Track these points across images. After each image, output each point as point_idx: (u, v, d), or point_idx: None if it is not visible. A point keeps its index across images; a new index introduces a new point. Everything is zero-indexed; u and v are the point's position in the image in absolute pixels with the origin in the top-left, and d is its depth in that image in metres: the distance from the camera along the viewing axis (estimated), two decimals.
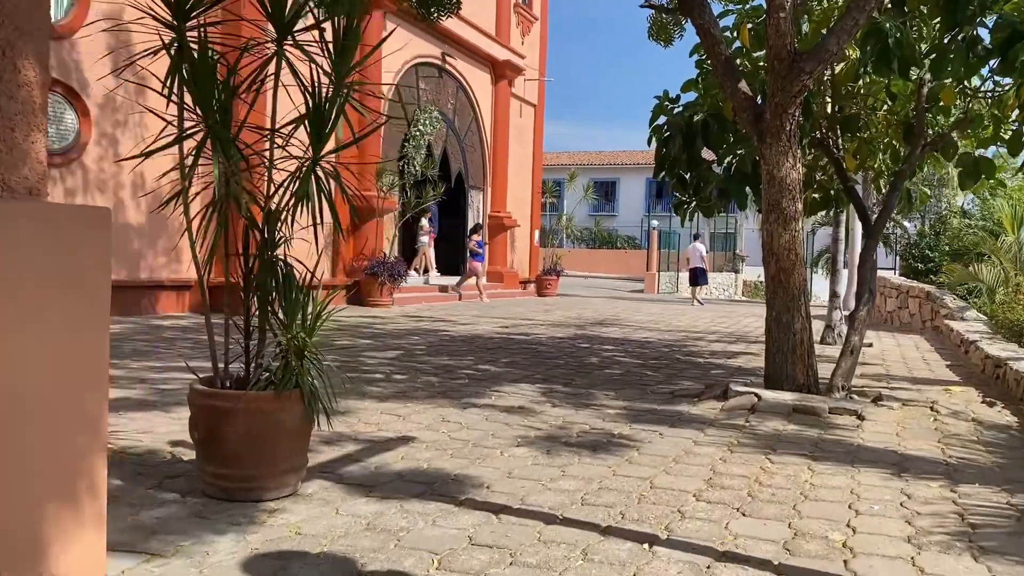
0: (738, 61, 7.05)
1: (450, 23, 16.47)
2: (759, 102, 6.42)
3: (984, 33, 5.91)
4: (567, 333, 11.73)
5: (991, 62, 6.03)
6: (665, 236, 31.72)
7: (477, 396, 6.13)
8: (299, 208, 3.51)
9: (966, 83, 6.60)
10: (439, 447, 4.52)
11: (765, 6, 6.27)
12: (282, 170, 3.68)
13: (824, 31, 6.49)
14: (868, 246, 6.86)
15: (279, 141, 3.60)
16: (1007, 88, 6.53)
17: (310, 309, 3.50)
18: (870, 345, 10.28)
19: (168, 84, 3.45)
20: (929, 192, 11.84)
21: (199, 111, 3.36)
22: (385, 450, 4.40)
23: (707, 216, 8.17)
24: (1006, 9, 5.93)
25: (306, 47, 3.59)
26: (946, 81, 6.44)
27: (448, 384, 6.64)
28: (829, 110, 7.40)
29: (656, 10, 7.27)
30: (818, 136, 7.31)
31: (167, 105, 3.54)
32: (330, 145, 3.59)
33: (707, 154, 7.67)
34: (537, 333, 11.52)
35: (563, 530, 3.23)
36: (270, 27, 3.58)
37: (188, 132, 3.49)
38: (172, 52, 3.39)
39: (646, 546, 3.09)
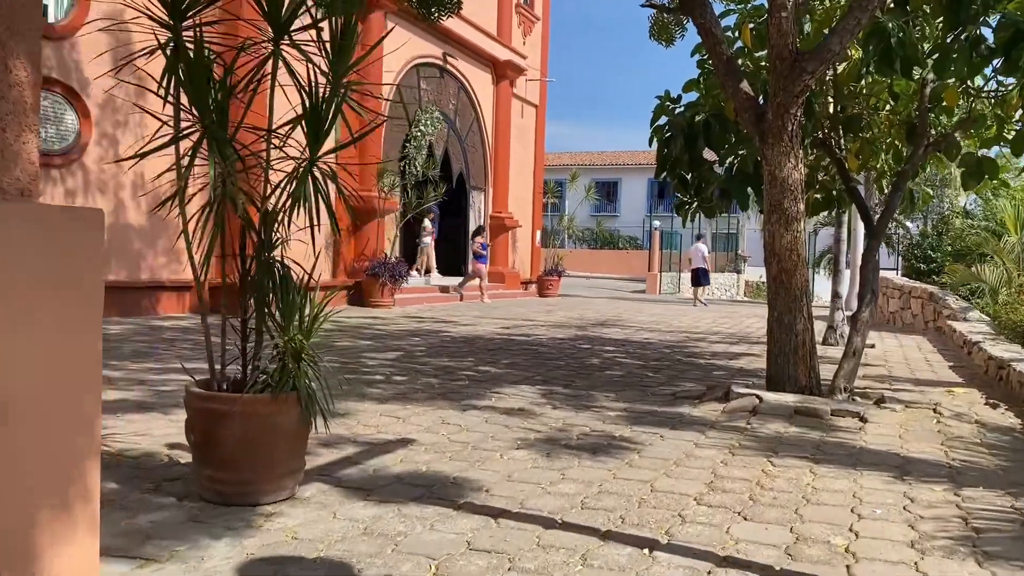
0: (740, 61, 7.01)
1: (451, 23, 16.45)
2: (761, 102, 6.38)
3: (987, 32, 5.88)
4: (568, 334, 11.70)
5: (994, 62, 5.98)
6: (667, 236, 31.69)
7: (477, 398, 6.09)
8: (296, 209, 3.48)
9: (969, 83, 6.56)
10: (438, 449, 4.49)
11: (767, 5, 6.24)
12: (279, 171, 3.65)
13: (826, 31, 6.45)
14: (871, 247, 6.82)
15: (276, 141, 3.57)
16: (1010, 88, 6.48)
17: (307, 311, 3.47)
18: (872, 346, 10.24)
19: (164, 84, 3.43)
20: (932, 192, 11.80)
21: (195, 111, 3.32)
22: (384, 453, 4.37)
23: (709, 217, 8.13)
24: (1010, 8, 5.89)
25: (303, 47, 3.56)
26: (949, 81, 6.40)
27: (448, 386, 6.61)
28: (831, 110, 7.37)
29: (657, 10, 7.23)
30: (820, 136, 7.27)
31: (163, 106, 3.51)
32: (328, 145, 3.56)
33: (709, 154, 7.64)
34: (538, 334, 11.49)
35: (562, 535, 3.20)
36: (267, 26, 3.55)
37: (184, 132, 3.46)
38: (168, 52, 3.35)
39: (646, 551, 3.06)
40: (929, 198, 10.24)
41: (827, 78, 7.10)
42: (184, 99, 3.44)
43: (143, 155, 3.25)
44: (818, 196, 8.47)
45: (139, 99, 8.54)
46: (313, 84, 3.46)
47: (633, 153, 45.80)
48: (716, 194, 7.75)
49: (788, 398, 5.91)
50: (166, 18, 3.38)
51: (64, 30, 10.25)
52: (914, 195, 8.74)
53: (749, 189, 7.41)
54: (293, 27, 3.55)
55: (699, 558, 3.01)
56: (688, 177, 7.74)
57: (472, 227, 20.05)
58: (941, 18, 6.12)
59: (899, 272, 23.42)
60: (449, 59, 18.06)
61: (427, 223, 18.56)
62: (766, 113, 6.13)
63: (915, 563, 3.05)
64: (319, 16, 3.63)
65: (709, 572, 2.89)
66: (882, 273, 14.58)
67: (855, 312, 6.76)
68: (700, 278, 22.36)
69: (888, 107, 7.44)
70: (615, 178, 46.21)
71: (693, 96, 7.70)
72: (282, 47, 3.52)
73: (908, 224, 25.35)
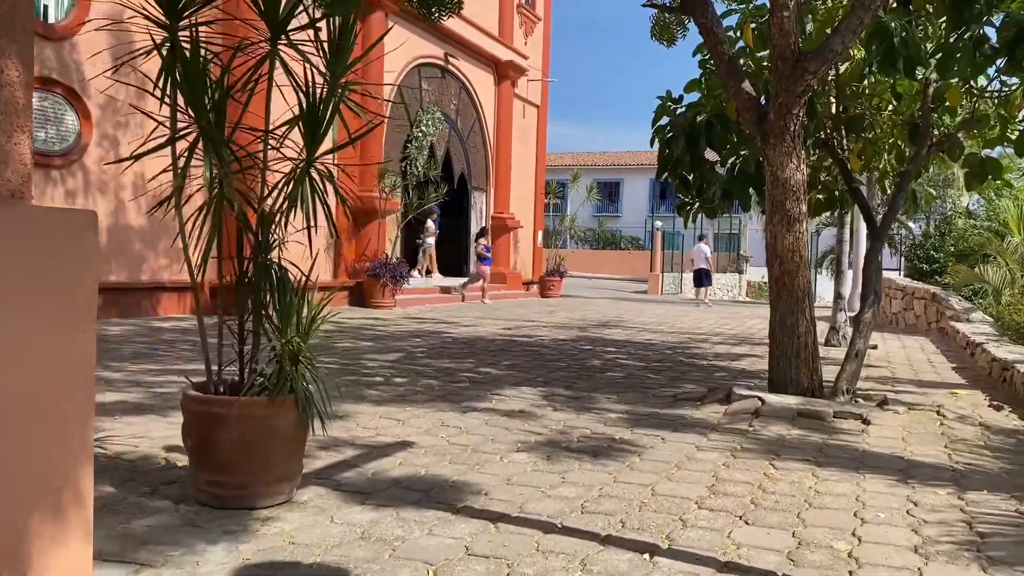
0: (741, 61, 6.97)
1: (452, 23, 16.42)
2: (763, 102, 6.34)
3: (991, 32, 5.84)
4: (570, 335, 11.67)
5: (998, 61, 5.94)
6: (669, 237, 31.65)
7: (477, 400, 6.06)
8: (293, 210, 3.45)
9: (972, 83, 6.51)
10: (438, 452, 4.46)
11: (768, 5, 6.20)
12: (277, 171, 3.62)
13: (828, 30, 6.41)
14: (873, 247, 6.78)
15: (273, 142, 3.54)
16: (1014, 88, 6.45)
17: (305, 312, 3.44)
18: (875, 347, 10.19)
19: (161, 84, 3.40)
20: (934, 193, 11.75)
21: (191, 112, 3.30)
22: (383, 455, 4.34)
23: (710, 217, 8.09)
24: (1013, 7, 5.85)
25: (301, 46, 3.53)
26: (952, 81, 6.36)
27: (448, 387, 6.57)
28: (834, 110, 7.32)
29: (659, 10, 7.19)
30: (822, 136, 7.23)
31: (160, 106, 3.48)
32: (326, 146, 3.53)
33: (710, 155, 7.60)
34: (539, 335, 11.45)
35: (562, 539, 3.17)
36: (265, 26, 3.52)
37: (181, 133, 3.43)
38: (164, 52, 3.33)
39: (646, 556, 3.02)
40: (932, 199, 10.20)
41: (829, 78, 7.06)
42: (181, 100, 3.41)
43: (138, 156, 3.22)
44: (820, 197, 8.43)
45: (139, 100, 8.52)
46: (311, 84, 3.42)
47: (635, 153, 45.74)
48: (718, 195, 7.70)
49: (790, 400, 5.87)
50: (162, 18, 3.35)
51: (64, 31, 10.23)
52: (917, 196, 8.68)
53: (751, 190, 7.37)
54: (291, 27, 3.52)
55: (700, 563, 2.98)
56: (690, 178, 7.71)
57: (474, 227, 20.03)
58: (944, 17, 6.09)
59: (901, 273, 23.37)
60: (450, 59, 18.04)
61: (430, 223, 18.54)
62: (768, 113, 6.09)
63: (919, 569, 3.01)
64: (317, 16, 3.61)
65: None
66: (884, 274, 14.53)
67: (858, 313, 6.72)
68: (702, 279, 22.33)
69: (891, 107, 7.39)
70: (617, 178, 46.15)
71: (695, 96, 7.66)
72: (279, 47, 3.49)
73: (911, 224, 25.28)
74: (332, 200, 3.62)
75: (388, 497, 3.61)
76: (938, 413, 6.00)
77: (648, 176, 40.57)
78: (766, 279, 6.78)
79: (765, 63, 6.98)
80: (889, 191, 8.49)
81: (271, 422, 3.35)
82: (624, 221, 44.66)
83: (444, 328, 11.86)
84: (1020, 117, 6.66)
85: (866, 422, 5.57)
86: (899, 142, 7.61)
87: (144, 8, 3.35)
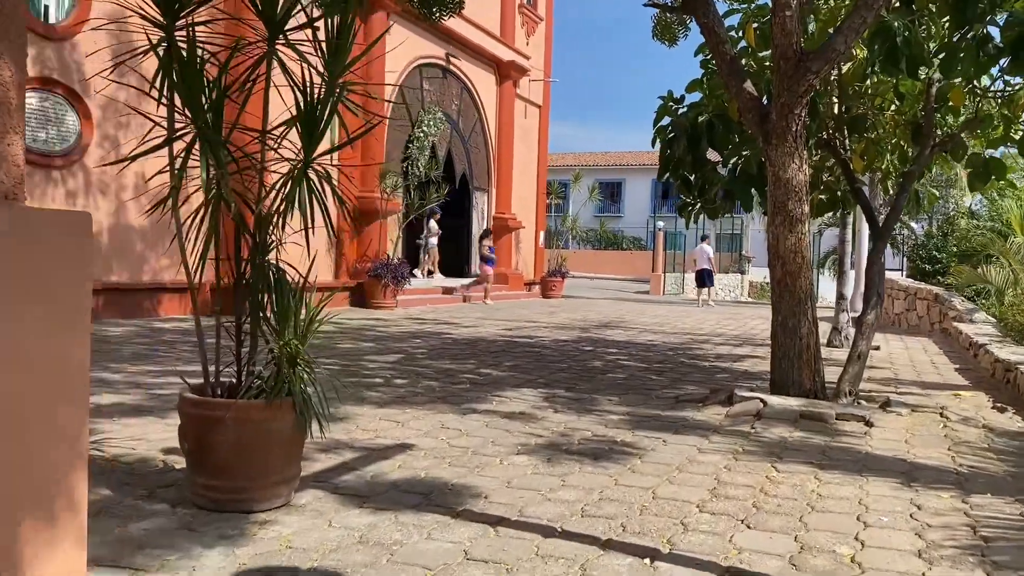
0: (743, 61, 6.94)
1: (454, 23, 16.41)
2: (765, 102, 6.31)
3: (994, 31, 5.81)
4: (571, 336, 11.64)
5: (1001, 61, 5.92)
6: (671, 237, 31.60)
7: (478, 401, 6.03)
8: (291, 211, 3.42)
9: (976, 83, 6.48)
10: (438, 455, 4.43)
11: (771, 5, 6.17)
12: (275, 172, 3.60)
13: (831, 30, 6.38)
14: (876, 248, 6.75)
15: (271, 143, 3.52)
16: (1018, 87, 6.42)
17: (303, 314, 3.41)
18: (877, 348, 10.15)
19: (158, 85, 3.38)
20: (937, 193, 11.71)
21: (188, 112, 3.27)
22: (382, 458, 4.31)
23: (712, 218, 8.05)
24: (1017, 7, 5.81)
25: (299, 46, 3.50)
26: (955, 81, 6.32)
27: (449, 389, 6.55)
28: (836, 110, 7.29)
29: (660, 9, 7.16)
30: (825, 137, 7.20)
31: (157, 107, 3.46)
32: (324, 147, 3.50)
33: (712, 155, 7.57)
34: (541, 336, 11.42)
35: (562, 544, 3.14)
36: (263, 26, 3.49)
37: (178, 134, 3.41)
38: (161, 52, 3.30)
39: (647, 561, 2.99)
40: (935, 199, 10.17)
41: (832, 78, 7.03)
42: (178, 100, 3.38)
43: (134, 158, 3.19)
44: (823, 197, 8.39)
45: (140, 100, 8.51)
46: (308, 84, 3.39)
47: (637, 154, 45.70)
48: (720, 195, 7.67)
49: (792, 402, 5.84)
50: (159, 18, 3.33)
51: (65, 31, 10.21)
52: (920, 196, 8.66)
53: (753, 190, 7.34)
54: (289, 26, 3.50)
55: (701, 568, 2.95)
56: (691, 178, 7.67)
57: (475, 228, 20.02)
58: (947, 17, 6.06)
59: (904, 273, 23.33)
60: (452, 59, 18.02)
61: (433, 224, 18.53)
62: (770, 113, 6.06)
63: (923, 574, 2.98)
64: (317, 15, 3.58)
65: None
66: (887, 274, 14.48)
67: (860, 315, 6.69)
68: (705, 279, 22.29)
69: (893, 107, 7.36)
70: (619, 179, 46.12)
71: (696, 96, 7.63)
72: (277, 47, 3.47)
73: (913, 224, 25.25)
74: (331, 201, 3.59)
75: (387, 500, 3.59)
76: (941, 415, 5.97)
77: (650, 176, 40.54)
78: (768, 279, 6.74)
79: (767, 63, 6.94)
80: (892, 191, 8.45)
81: (268, 425, 3.32)
82: (626, 221, 44.62)
83: (445, 329, 11.84)
84: None
85: (869, 424, 5.54)
86: (902, 142, 7.58)
87: (141, 8, 3.33)
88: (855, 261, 13.60)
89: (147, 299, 11.38)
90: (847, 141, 7.35)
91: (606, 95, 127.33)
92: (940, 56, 6.02)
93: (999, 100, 6.67)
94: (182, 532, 3.10)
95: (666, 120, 7.52)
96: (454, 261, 20.14)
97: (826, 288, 23.81)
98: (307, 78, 3.42)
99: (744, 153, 7.35)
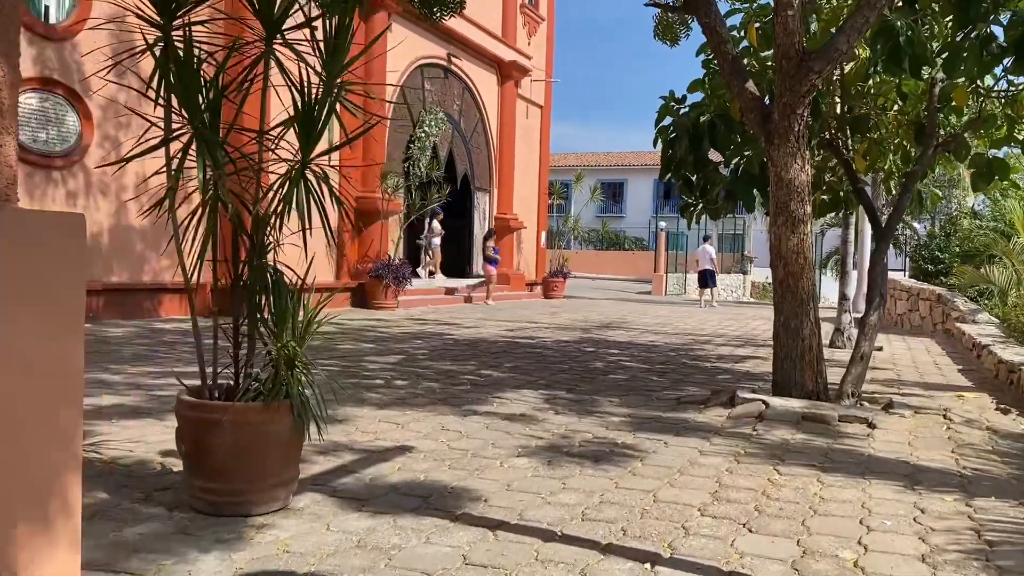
0: (745, 61, 6.91)
1: (455, 23, 16.39)
2: (767, 102, 6.28)
3: (998, 31, 5.77)
4: (572, 337, 11.61)
5: (1005, 60, 5.88)
6: (673, 237, 31.55)
7: (478, 403, 6.00)
8: (289, 212, 3.39)
9: (979, 82, 6.44)
10: (437, 457, 4.40)
11: (773, 4, 6.13)
12: (273, 173, 3.57)
13: (833, 29, 6.34)
14: (879, 249, 6.71)
15: (268, 143, 3.49)
16: (1021, 87, 6.37)
17: (301, 316, 3.39)
18: (880, 349, 10.11)
19: (156, 85, 3.35)
20: (940, 194, 11.64)
21: (184, 112, 3.24)
22: (381, 461, 4.28)
23: (714, 219, 8.02)
24: (1020, 6, 5.77)
25: (297, 46, 3.47)
26: (959, 80, 6.28)
27: (449, 390, 6.52)
28: (838, 110, 7.25)
29: (662, 9, 7.13)
30: (827, 137, 7.16)
31: (154, 107, 3.43)
32: (322, 147, 3.47)
33: (714, 155, 7.54)
34: (542, 337, 11.40)
35: (562, 548, 3.11)
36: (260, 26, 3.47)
37: (175, 134, 3.38)
38: (157, 52, 3.27)
39: (648, 566, 2.96)
40: (938, 199, 10.11)
41: (834, 78, 6.99)
42: (175, 100, 3.36)
43: (129, 159, 3.17)
44: (825, 197, 8.36)
45: (140, 100, 8.50)
46: (304, 84, 3.37)
47: (639, 154, 45.66)
48: (721, 195, 7.64)
49: (795, 404, 5.80)
50: (156, 17, 3.30)
51: (65, 31, 10.20)
52: (923, 196, 8.61)
53: (755, 191, 7.31)
54: (286, 26, 3.47)
55: (703, 573, 2.92)
56: (693, 178, 7.64)
57: (477, 228, 20.00)
58: (950, 16, 6.02)
59: (906, 273, 23.29)
60: (453, 60, 17.99)
61: (436, 224, 18.52)
62: (772, 113, 6.03)
63: None
64: (316, 14, 3.55)
65: None
66: (889, 275, 14.44)
67: (863, 316, 6.65)
68: (707, 280, 22.25)
69: (896, 107, 7.32)
70: (621, 179, 46.08)
71: (698, 96, 7.60)
72: (275, 46, 3.44)
73: (915, 225, 25.20)
74: (329, 202, 3.56)
75: (386, 504, 3.56)
76: (944, 417, 5.93)
77: (652, 176, 40.51)
78: (770, 280, 6.71)
79: (769, 63, 6.91)
80: (894, 192, 8.42)
81: (266, 428, 3.30)
82: (628, 222, 44.57)
83: (446, 330, 11.81)
84: None
85: (871, 426, 5.50)
86: (904, 142, 7.54)
87: (138, 7, 3.30)
88: (857, 261, 13.56)
89: (148, 299, 11.37)
90: (850, 141, 7.32)
91: (607, 95, 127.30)
92: (943, 56, 5.98)
93: (1003, 100, 6.63)
94: (178, 536, 3.08)
95: (668, 120, 7.48)
96: (455, 261, 20.12)
97: (828, 288, 23.77)
98: (304, 78, 3.39)
99: (746, 153, 7.31)
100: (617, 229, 44.27)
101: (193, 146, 3.28)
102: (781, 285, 6.11)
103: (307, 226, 3.33)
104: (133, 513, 3.30)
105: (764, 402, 5.81)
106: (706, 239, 23.55)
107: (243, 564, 2.85)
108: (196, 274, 3.48)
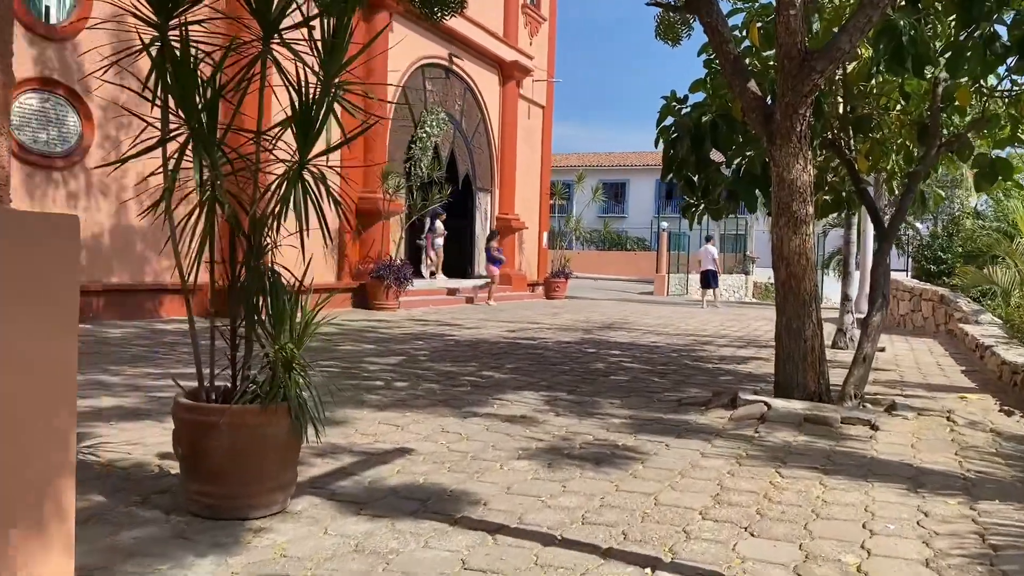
0: (747, 60, 6.87)
1: (457, 24, 16.37)
2: (769, 102, 6.25)
3: (1002, 30, 5.73)
4: (574, 337, 11.57)
5: (1009, 60, 5.84)
6: (675, 238, 31.49)
7: (479, 405, 5.97)
8: (286, 213, 3.36)
9: (982, 82, 6.40)
10: (437, 459, 4.37)
11: (775, 3, 6.10)
12: (270, 173, 3.54)
13: (836, 29, 6.31)
14: (881, 249, 6.67)
15: (266, 144, 3.46)
16: None
17: (299, 318, 3.36)
18: (882, 349, 10.07)
19: (152, 85, 3.33)
20: (943, 194, 11.62)
21: (181, 112, 3.22)
22: (381, 463, 4.25)
23: (716, 219, 7.98)
24: None
25: (295, 46, 3.44)
26: (962, 80, 6.24)
27: (450, 392, 6.49)
28: (841, 110, 7.22)
29: (663, 9, 7.09)
30: (829, 137, 7.12)
31: (151, 108, 3.41)
32: (320, 147, 3.44)
33: (716, 155, 7.50)
34: (543, 337, 11.36)
35: (561, 552, 3.08)
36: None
37: (172, 134, 3.36)
38: (154, 52, 3.25)
39: (648, 570, 2.93)
40: (941, 200, 10.07)
41: (836, 77, 6.96)
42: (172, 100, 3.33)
43: (125, 160, 3.14)
44: (827, 198, 8.31)
45: (140, 101, 8.47)
46: (302, 84, 3.34)
47: (641, 154, 45.60)
48: (723, 196, 7.60)
49: (797, 405, 5.77)
50: (153, 17, 3.28)
51: (66, 32, 10.19)
52: (925, 197, 8.57)
53: (757, 191, 7.27)
54: (284, 25, 3.44)
55: None
56: (695, 179, 7.60)
57: (478, 229, 19.98)
58: (954, 15, 5.98)
59: (909, 274, 23.21)
60: (455, 60, 17.96)
61: (439, 224, 18.52)
62: (774, 113, 5.99)
63: None
64: (315, 14, 3.52)
65: None
66: (892, 275, 14.39)
67: (865, 317, 6.61)
68: (710, 280, 22.20)
69: (899, 107, 7.28)
70: (623, 179, 46.04)
71: (700, 96, 7.56)
72: (272, 46, 3.41)
73: (918, 225, 25.13)
74: (327, 203, 3.53)
75: (384, 507, 3.53)
76: (948, 418, 5.90)
77: (654, 177, 40.44)
78: (772, 280, 6.68)
79: (771, 62, 6.88)
80: (897, 192, 8.38)
81: (263, 430, 3.27)
82: (630, 222, 44.51)
83: (447, 330, 11.78)
84: None
85: (874, 428, 5.47)
86: (907, 142, 7.50)
87: (135, 7, 3.27)
88: (860, 262, 13.53)
89: (149, 300, 11.35)
90: (852, 141, 7.28)
91: (607, 95, 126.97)
92: (946, 55, 5.94)
93: (1006, 99, 6.60)
94: (175, 540, 3.05)
95: (669, 120, 7.45)
96: (457, 262, 20.09)
97: (831, 289, 23.70)
98: (302, 78, 3.36)
99: (748, 153, 7.28)
100: (619, 229, 44.22)
101: (190, 146, 3.25)
102: (783, 286, 6.08)
103: (305, 227, 3.30)
104: (129, 517, 3.28)
105: (766, 404, 5.78)
106: (708, 240, 23.51)
107: (239, 569, 2.82)
108: (194, 275, 3.45)
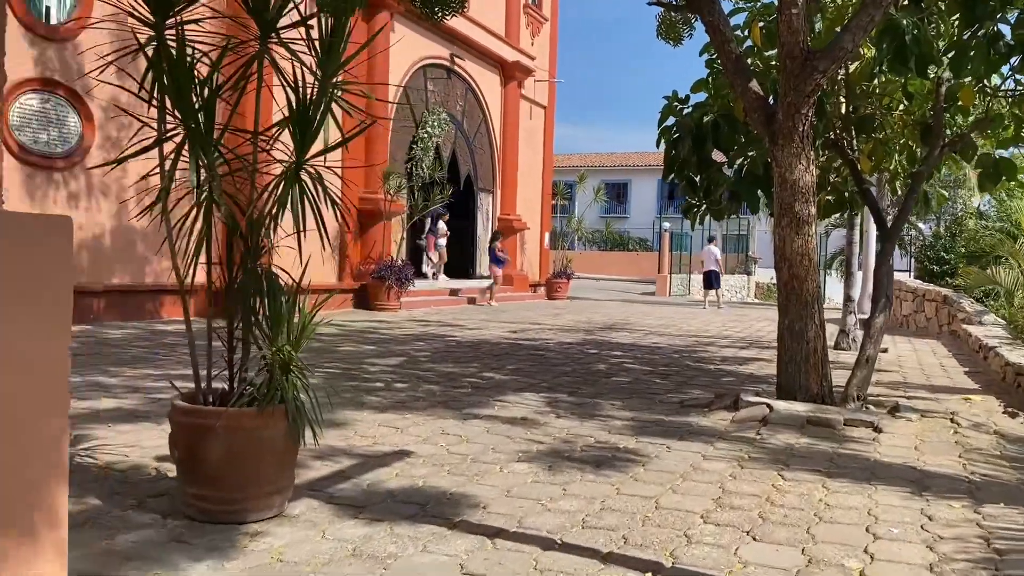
0: (749, 60, 6.83)
1: (458, 24, 16.35)
2: (771, 102, 6.21)
3: (1005, 29, 5.69)
4: (575, 338, 11.54)
5: (1013, 59, 5.80)
6: (677, 238, 31.45)
7: (479, 406, 5.94)
8: (282, 214, 3.33)
9: (986, 81, 6.36)
10: (436, 462, 4.34)
11: (777, 3, 6.06)
12: (268, 174, 3.51)
13: (838, 28, 6.27)
14: (884, 250, 6.64)
15: (264, 144, 3.43)
16: None
17: (296, 319, 3.33)
18: (885, 350, 10.03)
19: (149, 85, 3.30)
20: (946, 194, 11.58)
21: (177, 112, 3.19)
22: (380, 466, 4.22)
23: (717, 219, 7.94)
24: None
25: (293, 45, 3.41)
26: (965, 80, 6.20)
27: (450, 393, 6.46)
28: (843, 110, 7.18)
29: (665, 8, 7.06)
30: (832, 137, 7.09)
31: (148, 108, 3.38)
32: (317, 148, 3.41)
33: (718, 156, 7.46)
34: (545, 338, 11.33)
35: (561, 557, 3.04)
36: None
37: (168, 135, 3.33)
38: (150, 51, 3.22)
39: (649, 575, 2.90)
40: (944, 200, 10.04)
41: (839, 77, 6.92)
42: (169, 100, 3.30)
43: (121, 160, 3.12)
44: (830, 198, 8.28)
45: (139, 101, 8.45)
46: (300, 84, 3.31)
47: (643, 154, 45.55)
48: (725, 196, 7.57)
49: (799, 407, 5.73)
50: (149, 16, 3.25)
51: (67, 32, 10.17)
52: (928, 197, 8.52)
53: (759, 191, 7.23)
54: (282, 24, 3.41)
55: None
56: (696, 179, 7.57)
57: (480, 229, 19.96)
58: (957, 14, 5.94)
59: (911, 274, 23.16)
60: (456, 60, 17.94)
61: (441, 224, 18.52)
62: (776, 113, 5.96)
63: None
64: (312, 13, 3.49)
65: None
66: (895, 276, 14.34)
67: (868, 318, 6.57)
68: (712, 281, 22.15)
69: (902, 107, 7.25)
70: (625, 179, 45.98)
71: (701, 96, 7.53)
72: (270, 46, 3.38)
73: (921, 225, 25.06)
74: (324, 203, 3.50)
75: (383, 511, 3.50)
76: (952, 420, 5.86)
77: (656, 177, 40.38)
78: (774, 281, 6.64)
79: (773, 62, 6.84)
80: (900, 192, 8.34)
81: (260, 433, 3.24)
82: (632, 222, 44.46)
83: (448, 331, 11.75)
84: None
85: (877, 430, 5.43)
86: (910, 142, 7.46)
87: (132, 6, 3.25)
88: (862, 262, 13.49)
89: (149, 301, 11.33)
90: (855, 141, 7.25)
91: (606, 95, 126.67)
92: (950, 55, 5.90)
93: (1010, 99, 6.56)
94: (171, 544, 3.02)
95: (671, 120, 7.41)
96: (458, 262, 20.07)
97: (833, 289, 23.65)
98: (299, 77, 3.33)
99: (750, 154, 7.24)
100: (621, 230, 44.17)
101: (186, 147, 3.22)
102: (786, 287, 6.04)
103: (302, 228, 3.27)
104: (125, 520, 3.25)
105: (768, 406, 5.74)
106: (711, 240, 23.46)
107: (236, 573, 2.79)
108: (191, 276, 3.42)
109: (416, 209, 16.32)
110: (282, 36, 3.40)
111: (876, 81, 7.00)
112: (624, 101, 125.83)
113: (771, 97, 6.35)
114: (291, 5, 3.38)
